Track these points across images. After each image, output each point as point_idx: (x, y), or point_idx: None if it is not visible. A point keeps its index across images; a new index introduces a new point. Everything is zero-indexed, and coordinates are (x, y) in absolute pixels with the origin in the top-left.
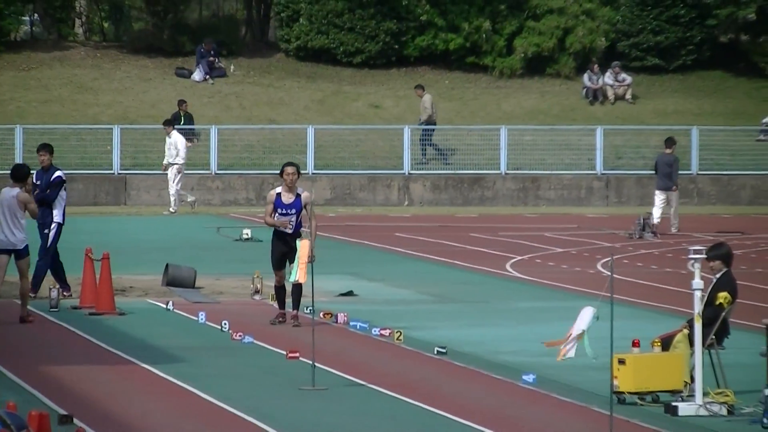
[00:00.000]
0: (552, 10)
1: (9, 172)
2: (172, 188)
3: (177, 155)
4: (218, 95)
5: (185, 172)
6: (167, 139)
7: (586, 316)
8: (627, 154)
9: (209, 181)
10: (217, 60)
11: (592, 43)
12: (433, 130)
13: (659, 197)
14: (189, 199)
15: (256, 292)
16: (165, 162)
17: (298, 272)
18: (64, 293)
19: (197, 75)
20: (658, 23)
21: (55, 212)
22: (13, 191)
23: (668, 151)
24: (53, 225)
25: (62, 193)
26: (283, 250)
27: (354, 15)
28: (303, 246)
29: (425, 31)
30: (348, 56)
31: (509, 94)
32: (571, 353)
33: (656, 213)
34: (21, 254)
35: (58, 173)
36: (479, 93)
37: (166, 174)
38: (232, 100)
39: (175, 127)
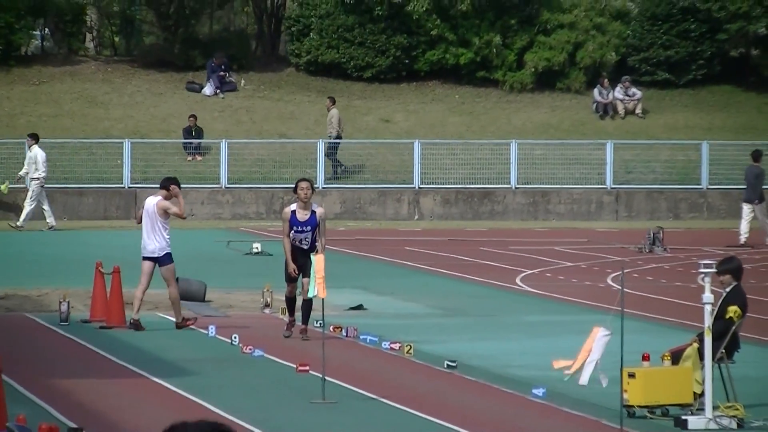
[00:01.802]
0: (562, 25)
1: (14, 187)
2: (28, 203)
3: (36, 170)
4: (229, 109)
5: (45, 186)
6: (28, 152)
7: (600, 342)
8: (637, 168)
9: (219, 195)
10: (227, 74)
11: (602, 58)
12: (338, 144)
13: (746, 209)
14: (48, 220)
15: (266, 305)
16: (22, 173)
17: (317, 288)
18: None
19: (208, 89)
20: (668, 38)
21: None
22: (156, 199)
23: (755, 163)
24: None
25: None
26: (297, 264)
27: (364, 29)
28: (318, 261)
29: (436, 46)
30: (358, 71)
31: (519, 109)
32: (585, 380)
33: (743, 227)
34: (161, 262)
35: None
36: (489, 107)
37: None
38: (243, 114)
39: (186, 140)
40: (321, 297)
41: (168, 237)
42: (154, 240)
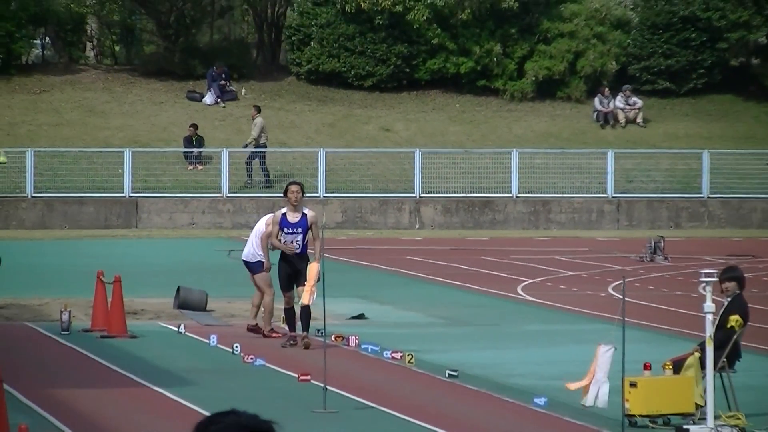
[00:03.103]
0: (563, 34)
1: (14, 196)
2: None
3: None
4: (229, 118)
5: None
6: None
7: (604, 358)
8: (638, 177)
9: (220, 204)
10: (228, 83)
11: (602, 67)
12: (263, 153)
13: None
14: None
15: None
16: None
17: (303, 294)
18: None
19: (208, 98)
20: (669, 47)
21: None
22: (269, 214)
23: None
24: None
25: None
26: (289, 271)
27: (365, 38)
28: (311, 269)
29: (436, 55)
30: (359, 80)
31: (520, 118)
32: (590, 401)
33: None
34: (252, 269)
35: None
36: (490, 116)
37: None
38: (243, 123)
39: (187, 149)
40: (305, 303)
41: (260, 247)
42: (249, 245)
